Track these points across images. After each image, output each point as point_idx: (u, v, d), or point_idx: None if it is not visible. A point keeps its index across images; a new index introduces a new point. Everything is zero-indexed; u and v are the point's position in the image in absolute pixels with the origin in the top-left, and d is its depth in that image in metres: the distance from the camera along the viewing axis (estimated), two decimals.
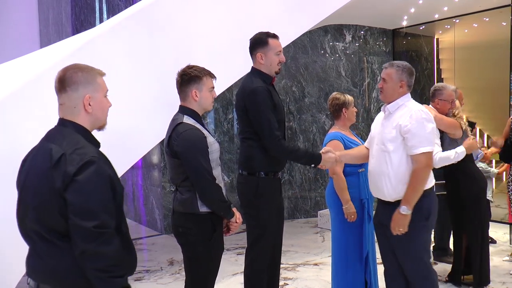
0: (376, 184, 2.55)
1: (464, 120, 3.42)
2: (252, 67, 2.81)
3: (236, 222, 2.42)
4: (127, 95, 3.30)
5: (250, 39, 2.78)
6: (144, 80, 3.34)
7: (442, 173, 3.52)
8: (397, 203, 2.43)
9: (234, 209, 2.43)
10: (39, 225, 1.54)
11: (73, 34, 7.86)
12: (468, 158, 3.26)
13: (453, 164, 3.09)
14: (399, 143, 2.42)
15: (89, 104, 1.61)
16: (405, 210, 2.36)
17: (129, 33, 3.33)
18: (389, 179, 2.46)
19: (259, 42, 2.71)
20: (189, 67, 2.38)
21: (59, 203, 1.49)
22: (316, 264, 4.23)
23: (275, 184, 2.80)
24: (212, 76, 2.39)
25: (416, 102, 2.50)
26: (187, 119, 2.33)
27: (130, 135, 3.35)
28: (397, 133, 2.41)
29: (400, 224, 2.39)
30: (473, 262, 3.42)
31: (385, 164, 2.46)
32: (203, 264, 2.33)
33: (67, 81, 1.60)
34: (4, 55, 6.01)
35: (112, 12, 6.77)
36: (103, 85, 1.68)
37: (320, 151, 2.71)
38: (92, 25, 7.30)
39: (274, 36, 2.76)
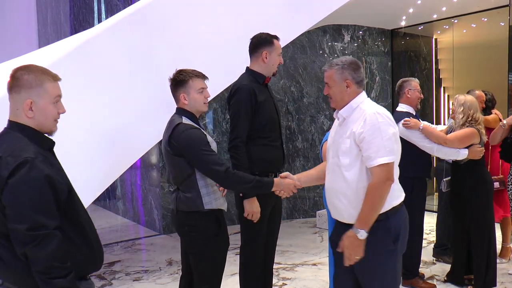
0: (334, 204, 2.15)
1: (482, 126, 3.29)
2: (247, 67, 2.82)
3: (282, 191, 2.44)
4: (126, 95, 3.31)
5: (253, 38, 2.79)
6: (142, 80, 3.34)
7: (450, 169, 3.55)
8: None
9: (279, 179, 2.42)
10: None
11: (72, 34, 7.85)
12: (479, 160, 3.27)
13: (462, 163, 3.22)
14: (355, 154, 2.03)
15: (31, 109, 1.58)
16: (362, 234, 1.97)
17: (127, 33, 3.34)
18: (347, 198, 2.06)
19: (265, 42, 2.74)
20: (177, 72, 2.41)
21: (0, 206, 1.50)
22: (314, 264, 4.23)
23: None
24: (200, 76, 2.39)
25: (373, 103, 2.13)
26: (186, 120, 2.36)
27: (129, 136, 3.36)
28: (352, 143, 2.03)
29: (356, 250, 1.99)
30: (475, 265, 3.38)
31: (342, 180, 2.07)
32: (211, 260, 2.36)
33: (14, 82, 1.59)
34: (2, 55, 5.99)
35: (110, 12, 6.76)
36: (52, 91, 1.62)
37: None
38: (91, 25, 7.30)
39: (277, 38, 2.81)
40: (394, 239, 2.04)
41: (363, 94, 2.15)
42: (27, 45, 8.90)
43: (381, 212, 2.00)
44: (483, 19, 5.77)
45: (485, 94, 4.04)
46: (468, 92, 4.08)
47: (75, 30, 7.80)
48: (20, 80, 1.58)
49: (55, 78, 1.64)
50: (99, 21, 7.44)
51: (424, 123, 3.38)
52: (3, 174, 1.48)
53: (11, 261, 1.54)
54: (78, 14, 7.77)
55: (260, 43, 2.76)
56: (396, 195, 2.09)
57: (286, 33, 3.91)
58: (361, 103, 2.10)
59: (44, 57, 3.48)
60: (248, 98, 2.62)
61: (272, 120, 2.77)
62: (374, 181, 1.97)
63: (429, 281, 3.63)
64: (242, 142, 2.62)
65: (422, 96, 3.57)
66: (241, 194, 2.61)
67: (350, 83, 2.08)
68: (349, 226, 2.06)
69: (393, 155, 2.00)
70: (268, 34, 2.79)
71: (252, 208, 2.58)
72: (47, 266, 1.47)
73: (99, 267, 1.70)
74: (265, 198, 2.64)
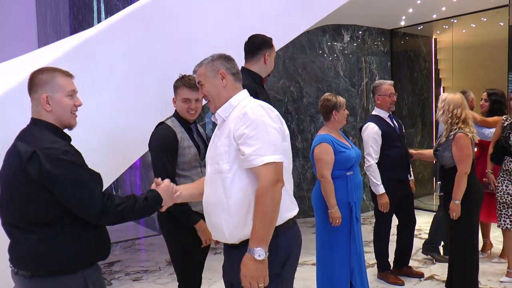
0: (211, 221, 1.80)
1: (471, 130, 3.08)
2: (242, 67, 2.83)
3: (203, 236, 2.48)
4: (125, 95, 3.30)
5: (254, 39, 2.80)
6: (142, 79, 3.34)
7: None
8: (245, 245, 1.68)
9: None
10: (14, 216, 1.67)
11: (71, 34, 7.86)
12: (471, 168, 3.04)
13: (450, 168, 3.08)
14: (235, 157, 1.71)
15: (48, 103, 1.70)
16: (260, 254, 1.59)
17: (126, 32, 3.33)
18: (227, 212, 1.71)
19: (266, 44, 2.77)
20: (181, 76, 2.55)
21: (36, 196, 1.61)
22: (313, 264, 4.21)
23: None
24: (188, 86, 2.49)
25: (259, 101, 1.84)
26: (170, 121, 2.51)
27: (128, 135, 3.35)
28: (232, 143, 1.71)
29: (257, 276, 1.60)
30: (454, 273, 3.21)
31: (221, 191, 1.72)
32: (176, 257, 2.56)
33: (31, 82, 1.73)
34: (2, 55, 6.00)
35: (110, 12, 6.76)
36: (65, 85, 1.74)
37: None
38: (90, 25, 7.30)
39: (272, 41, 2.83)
40: (282, 262, 1.70)
41: (245, 92, 1.89)
42: (26, 45, 8.91)
43: None
44: (482, 19, 5.77)
45: (489, 95, 4.00)
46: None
47: (74, 30, 7.80)
48: (35, 79, 1.72)
49: (67, 74, 1.78)
50: (99, 21, 7.45)
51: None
52: (46, 167, 1.57)
53: (25, 249, 1.64)
54: (78, 14, 7.77)
55: (262, 44, 2.78)
56: (288, 207, 1.76)
57: (287, 33, 3.92)
58: (242, 101, 1.82)
59: (43, 56, 3.48)
60: (252, 97, 2.64)
61: None
62: (262, 184, 1.62)
63: (428, 281, 3.65)
64: None
65: (394, 98, 3.69)
66: None
67: (224, 73, 1.82)
68: (233, 248, 1.75)
69: (281, 154, 1.69)
70: (266, 36, 2.82)
71: None
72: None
73: (107, 255, 1.81)
74: None
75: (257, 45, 2.79)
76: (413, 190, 3.79)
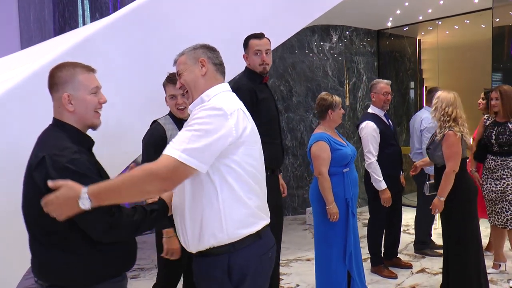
0: (178, 229, 1.70)
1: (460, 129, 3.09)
2: (245, 66, 2.91)
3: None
4: (124, 94, 3.32)
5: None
6: (141, 78, 3.36)
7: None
8: (201, 256, 1.63)
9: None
10: (28, 223, 1.59)
11: (56, 31, 7.74)
12: (462, 165, 3.10)
13: (442, 167, 3.10)
14: None
15: (70, 103, 1.60)
16: (84, 203, 1.43)
17: (125, 31, 3.34)
18: (184, 218, 1.61)
19: (244, 44, 2.86)
20: (168, 73, 2.55)
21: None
22: (308, 260, 4.32)
23: (272, 182, 2.88)
24: (172, 83, 2.40)
25: (236, 100, 1.69)
26: (163, 119, 2.55)
27: (126, 134, 3.37)
28: None
29: (60, 207, 1.45)
30: (450, 277, 3.21)
31: (182, 194, 1.61)
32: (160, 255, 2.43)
33: (50, 81, 1.63)
34: None
35: (98, 11, 6.71)
36: (87, 82, 1.63)
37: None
38: (77, 23, 7.22)
39: (257, 37, 2.84)
40: (237, 281, 1.59)
41: (224, 86, 1.72)
42: (7, 42, 8.74)
43: (224, 243, 1.57)
44: (465, 21, 5.96)
45: (485, 93, 4.12)
46: (431, 90, 4.26)
47: (60, 27, 7.70)
48: (55, 77, 1.62)
49: (89, 69, 1.66)
50: (84, 19, 7.37)
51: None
52: (51, 173, 1.46)
53: (44, 258, 1.56)
54: (64, 11, 7.67)
55: (243, 46, 2.87)
56: (245, 222, 1.60)
57: (279, 34, 3.98)
58: (215, 96, 1.66)
59: (43, 54, 3.45)
60: (248, 97, 2.69)
61: (273, 117, 2.84)
62: (154, 165, 1.45)
63: (419, 274, 3.78)
64: None
65: (389, 97, 3.78)
66: None
67: (204, 61, 1.69)
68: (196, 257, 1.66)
69: (200, 163, 1.47)
70: (250, 35, 2.86)
71: None
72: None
73: (130, 266, 1.69)
74: (276, 191, 2.73)
75: (243, 47, 2.88)
76: (403, 185, 3.93)
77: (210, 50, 1.74)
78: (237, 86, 2.74)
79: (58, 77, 1.61)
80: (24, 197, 1.59)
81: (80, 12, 7.55)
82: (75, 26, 7.51)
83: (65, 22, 7.66)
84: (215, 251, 1.58)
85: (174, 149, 1.46)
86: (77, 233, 1.51)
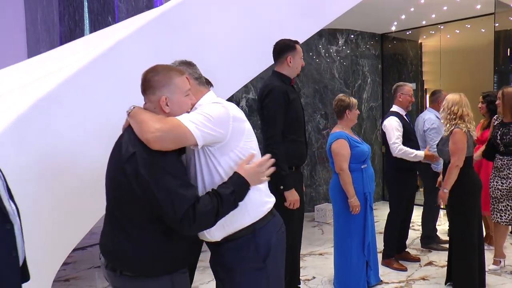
0: None
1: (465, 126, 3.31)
2: (273, 71, 3.07)
3: None
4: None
5: (276, 45, 3.04)
6: None
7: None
8: (228, 241, 1.82)
9: None
10: (114, 210, 1.71)
11: (66, 34, 7.87)
12: (467, 162, 3.27)
13: (447, 162, 3.33)
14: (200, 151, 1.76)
15: (167, 105, 1.69)
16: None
17: (154, 35, 3.49)
18: None
19: (288, 47, 2.99)
20: None
21: (133, 196, 1.60)
22: (321, 254, 4.50)
23: (297, 177, 3.06)
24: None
25: (229, 103, 1.83)
26: None
27: None
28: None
29: None
30: (453, 268, 3.41)
31: (202, 185, 1.80)
32: None
33: (146, 84, 1.71)
34: None
35: (109, 14, 6.84)
36: (181, 85, 1.72)
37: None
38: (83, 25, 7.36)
39: (298, 43, 3.05)
40: (264, 256, 1.79)
41: (209, 94, 1.91)
42: (14, 43, 8.85)
43: (247, 224, 1.79)
44: (467, 25, 6.20)
45: (484, 97, 4.31)
46: (434, 92, 4.58)
47: (70, 30, 7.82)
48: (151, 81, 1.69)
49: (182, 73, 1.75)
50: (91, 21, 7.50)
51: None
52: (142, 172, 1.57)
53: (128, 243, 1.65)
54: (74, 14, 7.80)
55: (284, 49, 3.01)
56: (261, 202, 1.84)
57: (295, 36, 4.14)
58: (203, 101, 1.87)
59: (75, 56, 3.59)
60: (281, 97, 2.87)
61: (300, 117, 3.02)
62: (166, 123, 1.63)
63: (427, 267, 3.98)
64: (280, 138, 2.86)
65: (413, 99, 4.11)
66: (281, 187, 2.82)
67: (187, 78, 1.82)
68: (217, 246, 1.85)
69: (199, 131, 1.64)
70: (290, 40, 3.04)
71: (293, 196, 2.82)
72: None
73: (192, 259, 1.81)
74: (300, 186, 2.89)
75: (278, 50, 3.03)
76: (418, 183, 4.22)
77: (188, 66, 1.91)
78: (270, 87, 2.90)
79: (154, 81, 1.68)
80: (112, 184, 1.70)
81: (86, 15, 7.68)
82: (84, 29, 7.65)
83: (75, 24, 7.79)
84: (239, 234, 1.79)
85: (185, 118, 1.67)
86: (154, 224, 1.63)
